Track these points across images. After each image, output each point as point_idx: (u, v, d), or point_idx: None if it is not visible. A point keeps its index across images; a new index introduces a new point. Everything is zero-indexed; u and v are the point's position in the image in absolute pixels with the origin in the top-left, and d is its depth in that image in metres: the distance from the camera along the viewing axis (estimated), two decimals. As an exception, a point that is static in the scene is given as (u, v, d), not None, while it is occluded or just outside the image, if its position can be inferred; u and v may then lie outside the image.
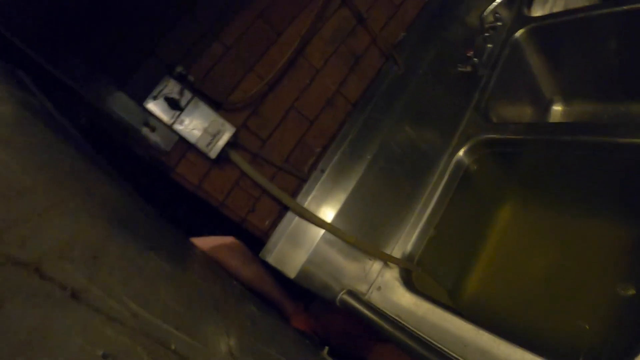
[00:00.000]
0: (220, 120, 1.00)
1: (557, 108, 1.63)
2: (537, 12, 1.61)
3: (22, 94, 0.82)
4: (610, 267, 1.14)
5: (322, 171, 1.10)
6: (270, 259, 1.05)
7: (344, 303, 1.09)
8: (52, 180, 0.59)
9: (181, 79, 0.97)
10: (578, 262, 1.20)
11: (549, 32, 1.49)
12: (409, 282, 1.12)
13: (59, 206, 0.54)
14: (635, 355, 0.70)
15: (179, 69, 0.96)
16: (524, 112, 1.59)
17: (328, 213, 1.09)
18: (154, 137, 0.98)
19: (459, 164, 1.29)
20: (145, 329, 0.48)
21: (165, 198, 1.23)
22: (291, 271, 1.05)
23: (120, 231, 0.66)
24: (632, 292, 1.05)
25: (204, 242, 1.18)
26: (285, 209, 1.07)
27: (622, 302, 1.05)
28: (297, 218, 1.06)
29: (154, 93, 0.96)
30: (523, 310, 1.20)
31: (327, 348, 1.01)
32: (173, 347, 0.50)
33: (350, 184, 1.11)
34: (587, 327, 1.06)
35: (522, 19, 1.53)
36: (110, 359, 0.38)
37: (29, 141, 0.65)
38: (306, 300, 1.27)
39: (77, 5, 0.87)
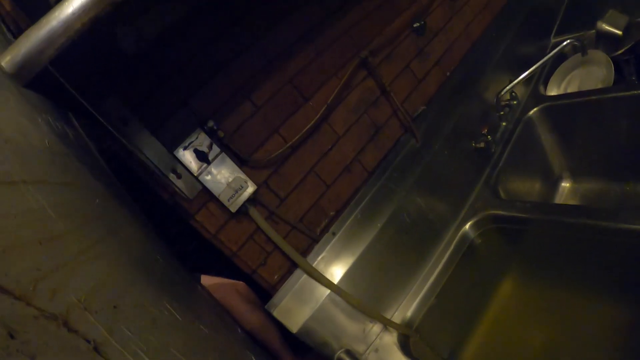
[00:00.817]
0: (244, 177, 1.07)
1: (565, 184, 1.69)
2: (552, 91, 1.69)
3: (59, 125, 0.89)
4: (608, 347, 1.17)
5: (334, 234, 1.16)
6: (275, 312, 1.10)
7: (341, 362, 1.13)
8: (83, 225, 0.64)
9: (211, 134, 1.05)
10: (576, 341, 1.22)
11: (562, 111, 1.56)
12: (406, 348, 1.17)
13: (87, 252, 0.58)
14: None
15: (210, 123, 1.04)
16: (533, 188, 1.65)
17: (335, 274, 1.14)
18: (179, 184, 1.05)
19: (465, 237, 1.35)
20: None
21: (179, 230, 1.30)
22: (294, 326, 1.10)
23: (138, 276, 0.71)
24: None
25: (214, 282, 1.24)
26: (294, 266, 1.13)
27: None
28: (305, 276, 1.12)
29: (185, 143, 1.03)
30: None
31: None
32: None
33: (359, 249, 1.17)
34: None
35: (537, 98, 1.61)
36: None
37: (62, 181, 0.71)
38: (302, 351, 1.31)
39: (122, 54, 0.96)
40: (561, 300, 1.34)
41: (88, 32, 0.62)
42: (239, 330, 1.10)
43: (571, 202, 1.64)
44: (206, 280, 1.21)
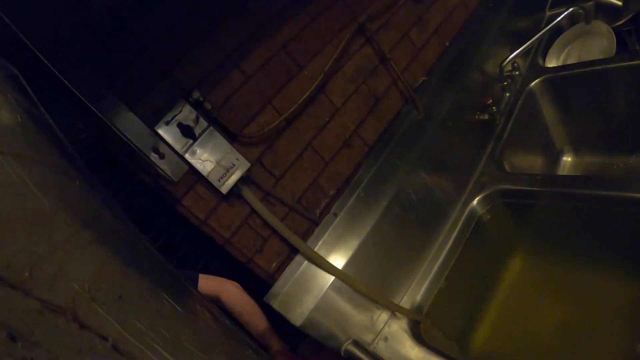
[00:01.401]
0: (236, 153, 0.96)
1: (566, 159, 1.64)
2: (551, 63, 1.63)
3: (27, 103, 0.78)
4: (625, 323, 1.12)
5: (335, 215, 1.07)
6: (276, 304, 1.01)
7: (349, 353, 1.04)
8: (68, 207, 0.54)
9: (197, 106, 0.94)
10: (590, 317, 1.18)
11: (564, 83, 1.51)
12: (418, 334, 1.09)
13: (79, 236, 0.49)
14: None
15: (196, 94, 0.93)
16: (535, 162, 1.59)
17: (339, 259, 1.05)
18: (162, 165, 0.93)
19: (472, 213, 1.28)
20: None
21: (162, 222, 1.19)
22: (297, 319, 1.00)
23: (130, 268, 0.62)
24: None
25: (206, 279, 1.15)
26: (294, 252, 1.03)
27: None
28: (306, 262, 1.02)
29: (167, 118, 0.91)
30: None
31: None
32: None
33: (364, 230, 1.08)
34: None
35: (537, 69, 1.55)
36: None
37: (39, 158, 0.61)
38: (294, 340, 1.23)
39: (96, 17, 0.83)
40: (573, 276, 1.30)
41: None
42: (228, 322, 1.00)
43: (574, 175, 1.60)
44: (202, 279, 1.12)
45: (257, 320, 1.15)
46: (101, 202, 0.84)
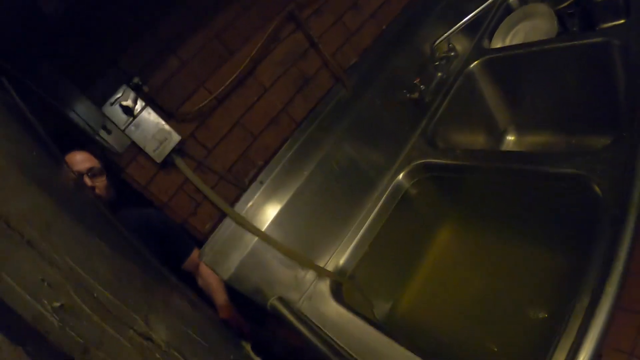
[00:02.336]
0: (168, 128, 1.12)
1: (510, 138, 1.73)
2: (496, 45, 1.71)
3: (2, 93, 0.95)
4: (527, 290, 1.23)
5: (261, 183, 1.21)
6: (206, 260, 1.16)
7: (273, 308, 1.19)
8: (20, 166, 0.72)
9: (136, 89, 1.10)
10: (503, 286, 1.29)
11: (504, 64, 1.59)
12: (339, 295, 1.23)
13: (23, 186, 0.67)
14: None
15: (135, 79, 1.09)
16: (477, 140, 1.69)
17: (264, 222, 1.20)
18: (109, 139, 1.11)
19: (399, 186, 1.41)
20: (75, 278, 0.62)
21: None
22: (225, 273, 1.16)
23: (70, 215, 0.79)
24: (543, 315, 1.14)
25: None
26: (224, 214, 1.18)
27: (533, 325, 1.14)
28: (234, 224, 1.17)
29: (112, 100, 1.09)
30: (446, 330, 1.29)
31: (250, 343, 1.12)
32: (95, 294, 0.63)
33: (287, 196, 1.23)
34: (496, 349, 1.15)
35: (479, 51, 1.64)
36: (45, 283, 0.53)
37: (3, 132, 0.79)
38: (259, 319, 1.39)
39: (50, 15, 0.99)
40: (498, 247, 1.40)
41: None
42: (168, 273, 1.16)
43: (514, 153, 1.68)
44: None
45: (215, 285, 1.32)
46: (56, 169, 1.02)
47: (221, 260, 1.16)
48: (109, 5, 1.04)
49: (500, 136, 1.73)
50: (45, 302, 0.54)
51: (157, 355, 0.66)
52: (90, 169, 1.24)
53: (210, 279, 1.33)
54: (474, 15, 1.52)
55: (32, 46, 1.00)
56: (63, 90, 1.04)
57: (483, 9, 1.53)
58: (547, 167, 1.15)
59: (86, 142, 1.20)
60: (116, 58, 1.08)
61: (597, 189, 1.00)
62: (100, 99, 1.07)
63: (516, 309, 1.20)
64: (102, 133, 1.10)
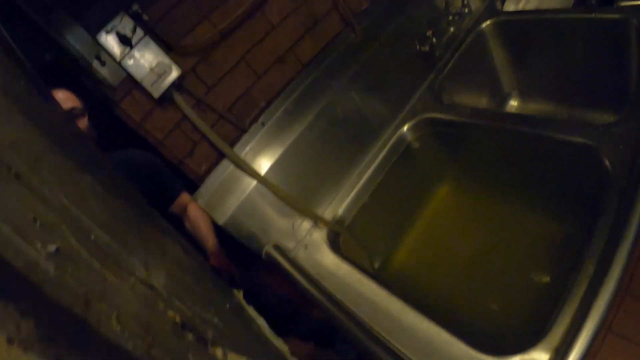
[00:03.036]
0: (168, 61, 1.05)
1: (513, 103, 1.72)
2: (509, 7, 1.68)
3: None
4: (531, 254, 1.24)
5: (263, 124, 1.17)
6: (202, 203, 1.12)
7: (268, 256, 1.17)
8: (6, 94, 0.66)
9: (136, 17, 1.02)
10: (502, 247, 1.30)
11: (516, 28, 1.57)
12: (336, 245, 1.21)
13: (10, 114, 0.61)
14: (536, 342, 0.77)
15: (134, 7, 1.01)
16: (480, 101, 1.67)
17: (263, 166, 1.16)
18: (103, 71, 1.03)
19: (402, 138, 1.38)
20: (70, 217, 0.56)
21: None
22: (220, 217, 1.12)
23: (60, 149, 0.73)
24: (546, 279, 1.15)
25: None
26: (221, 156, 1.14)
27: (534, 288, 1.16)
28: (232, 166, 1.13)
29: (108, 27, 1.00)
30: (443, 286, 1.29)
31: (242, 291, 1.10)
32: (92, 237, 0.58)
33: (289, 140, 1.19)
34: (496, 307, 1.17)
35: (492, 11, 1.61)
36: (38, 222, 0.46)
37: None
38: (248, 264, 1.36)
39: None
40: (496, 209, 1.40)
41: None
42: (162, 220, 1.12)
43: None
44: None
45: (205, 231, 1.27)
46: (45, 102, 0.95)
47: (217, 204, 1.13)
48: None
49: (503, 99, 1.71)
50: (39, 245, 0.48)
51: (161, 305, 0.63)
52: (71, 109, 1.16)
53: (200, 223, 1.28)
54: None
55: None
56: (54, 16, 0.96)
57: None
58: (556, 133, 1.14)
59: (77, 73, 1.13)
60: None
61: (606, 161, 1.00)
62: (95, 27, 0.99)
63: (518, 271, 1.21)
64: (96, 64, 1.02)
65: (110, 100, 1.05)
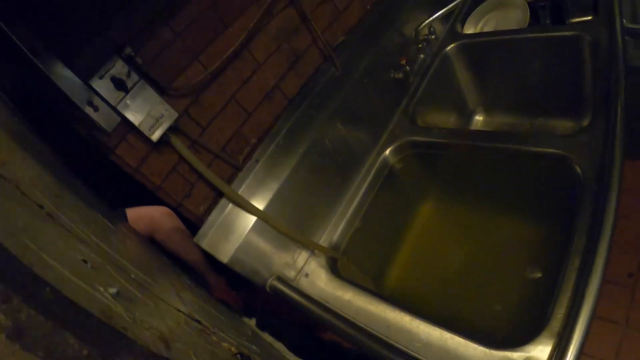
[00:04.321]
0: (164, 104, 1.08)
1: (478, 118, 1.87)
2: (468, 30, 1.83)
3: None
4: (519, 256, 1.36)
5: (257, 161, 1.22)
6: (204, 244, 1.15)
7: (273, 288, 1.22)
8: (11, 133, 0.67)
9: (129, 61, 1.03)
10: (491, 253, 1.42)
11: (478, 49, 1.71)
12: (335, 270, 1.29)
13: (21, 154, 0.63)
14: (540, 331, 0.88)
15: (128, 50, 1.03)
16: (449, 120, 1.81)
17: (260, 201, 1.21)
18: (96, 117, 1.03)
19: (385, 162, 1.48)
20: (107, 256, 0.59)
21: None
22: (224, 256, 1.16)
23: (67, 188, 0.75)
24: (538, 275, 1.27)
25: (136, 212, 1.27)
26: (219, 195, 1.18)
27: (530, 284, 1.27)
28: (230, 205, 1.17)
29: (101, 72, 1.01)
30: (442, 296, 1.39)
31: (254, 319, 1.15)
32: (132, 275, 0.61)
33: (283, 175, 1.24)
34: (500, 308, 1.27)
35: (454, 35, 1.75)
36: (89, 264, 0.49)
37: None
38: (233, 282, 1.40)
39: None
40: (478, 220, 1.52)
41: None
42: (164, 257, 1.15)
43: (484, 132, 1.83)
44: (130, 212, 1.24)
45: (193, 256, 1.31)
46: (38, 139, 0.96)
47: (219, 244, 1.16)
48: None
49: (470, 115, 1.86)
50: (102, 289, 0.51)
51: (214, 338, 0.67)
52: None
53: (176, 236, 1.30)
54: (456, 4, 1.62)
55: (6, 9, 0.92)
56: (42, 61, 0.96)
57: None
58: (528, 146, 1.27)
59: (69, 119, 1.13)
60: (103, 25, 1.00)
61: (576, 167, 1.13)
62: (86, 72, 0.99)
63: (511, 271, 1.32)
64: (88, 109, 1.03)
65: (104, 147, 1.07)
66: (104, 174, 1.26)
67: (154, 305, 0.62)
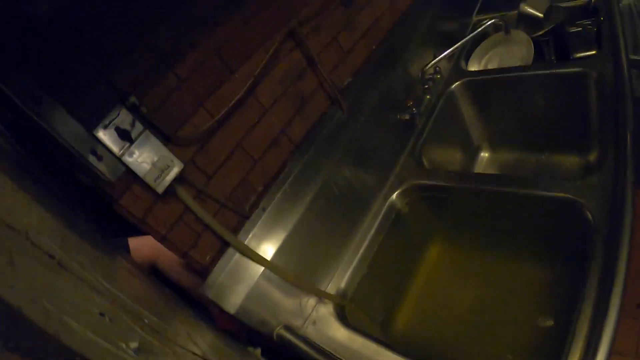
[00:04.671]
0: (169, 154, 1.07)
1: (484, 154, 1.87)
2: (472, 67, 1.84)
3: None
4: (529, 302, 1.34)
5: (264, 209, 1.20)
6: (211, 294, 1.13)
7: (280, 337, 1.19)
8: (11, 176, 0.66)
9: (134, 110, 1.02)
10: (500, 298, 1.40)
11: (483, 86, 1.72)
12: (343, 317, 1.26)
13: (23, 197, 0.63)
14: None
15: (132, 99, 1.01)
16: (454, 157, 1.80)
17: (268, 250, 1.19)
18: (100, 167, 1.02)
19: (392, 206, 1.46)
20: (121, 303, 0.58)
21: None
22: (231, 307, 1.14)
23: (69, 227, 0.74)
24: (550, 323, 1.24)
25: (138, 242, 1.26)
26: (226, 245, 1.16)
27: (542, 333, 1.24)
28: (237, 255, 1.15)
29: (105, 122, 0.99)
30: (451, 343, 1.36)
31: (259, 348, 1.12)
32: (146, 321, 0.60)
33: (291, 223, 1.23)
34: (511, 357, 1.24)
35: (459, 72, 1.76)
36: (106, 317, 0.49)
37: None
38: None
39: (29, 21, 0.91)
40: (486, 262, 1.51)
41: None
42: (167, 289, 1.13)
43: (490, 171, 1.83)
44: (132, 241, 1.23)
45: (195, 286, 1.28)
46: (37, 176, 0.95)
47: (226, 294, 1.14)
48: (99, 10, 0.97)
49: (475, 152, 1.85)
50: (124, 345, 0.50)
51: None
52: None
53: (175, 266, 1.29)
54: (462, 43, 1.63)
55: (9, 55, 0.91)
56: (45, 109, 0.94)
57: (470, 38, 1.65)
58: (536, 190, 1.26)
59: (71, 167, 1.12)
60: (106, 73, 0.99)
61: (587, 212, 1.12)
62: (89, 120, 0.97)
63: (522, 318, 1.30)
64: (92, 159, 1.01)
65: (108, 197, 1.05)
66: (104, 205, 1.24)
67: (172, 353, 0.61)
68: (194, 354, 0.68)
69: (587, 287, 0.96)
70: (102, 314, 0.50)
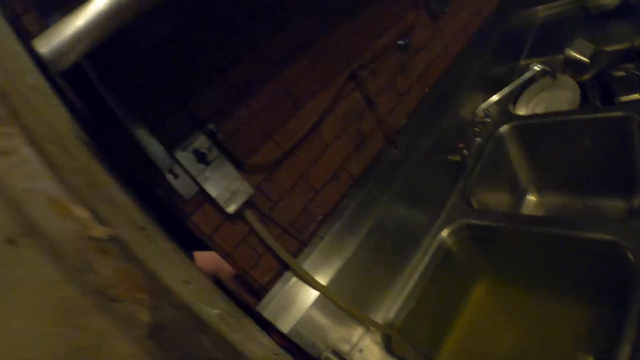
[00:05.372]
0: (240, 179, 1.18)
1: (531, 198, 1.91)
2: (520, 110, 1.91)
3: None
4: (570, 340, 1.36)
5: (322, 238, 1.29)
6: (266, 313, 1.21)
7: (327, 361, 1.26)
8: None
9: (211, 136, 1.14)
10: (542, 338, 1.41)
11: (531, 130, 1.78)
12: (389, 347, 1.32)
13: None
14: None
15: (210, 125, 1.13)
16: (502, 200, 1.85)
17: (323, 277, 1.27)
18: (176, 185, 1.14)
19: (442, 243, 1.53)
20: (200, 283, 0.67)
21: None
22: (285, 327, 1.20)
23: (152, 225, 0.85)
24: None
25: (203, 254, 1.36)
26: (284, 268, 1.25)
27: None
28: (294, 278, 1.24)
29: (185, 144, 1.11)
30: None
31: None
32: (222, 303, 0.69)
33: (346, 253, 1.31)
34: None
35: (508, 116, 1.83)
36: (192, 284, 0.57)
37: None
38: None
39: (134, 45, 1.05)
40: (530, 303, 1.53)
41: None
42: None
43: (536, 214, 1.87)
44: (197, 254, 1.34)
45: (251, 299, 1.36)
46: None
47: (281, 314, 1.22)
48: (185, 48, 1.11)
49: (522, 195, 1.90)
50: (209, 308, 0.58)
51: None
52: None
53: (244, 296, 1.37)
54: (512, 87, 1.72)
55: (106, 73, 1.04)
56: (131, 127, 1.07)
57: (521, 81, 1.73)
58: (580, 232, 1.30)
59: (149, 182, 1.23)
60: (186, 101, 1.12)
61: (629, 254, 1.16)
62: (170, 143, 1.09)
63: (563, 356, 1.33)
64: (169, 177, 1.13)
65: (181, 212, 1.16)
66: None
67: (246, 334, 0.69)
68: (262, 343, 0.75)
69: (627, 328, 1.00)
70: (187, 281, 0.59)
